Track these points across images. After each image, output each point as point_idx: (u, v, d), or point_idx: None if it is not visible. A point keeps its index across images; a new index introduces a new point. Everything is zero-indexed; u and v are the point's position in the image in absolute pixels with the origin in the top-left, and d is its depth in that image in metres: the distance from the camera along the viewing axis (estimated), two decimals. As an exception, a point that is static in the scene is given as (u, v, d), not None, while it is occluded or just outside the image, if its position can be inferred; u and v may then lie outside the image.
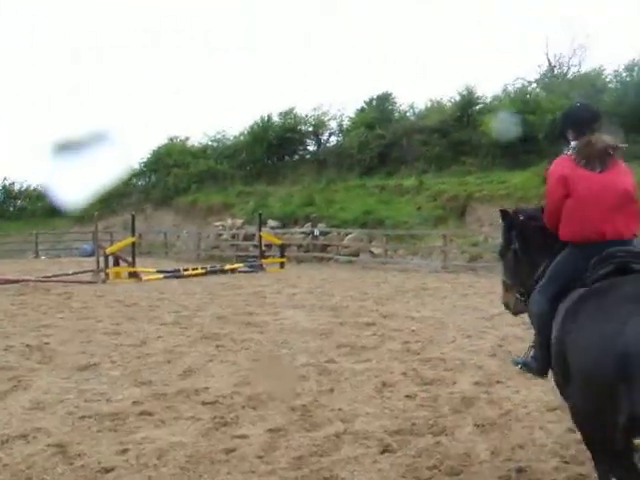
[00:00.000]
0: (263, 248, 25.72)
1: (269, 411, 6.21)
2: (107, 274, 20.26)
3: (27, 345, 9.68)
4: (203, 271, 22.38)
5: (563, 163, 4.48)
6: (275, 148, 41.50)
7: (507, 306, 5.34)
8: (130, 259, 21.25)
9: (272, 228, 30.40)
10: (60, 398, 6.79)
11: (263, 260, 24.71)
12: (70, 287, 18.25)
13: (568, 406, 3.93)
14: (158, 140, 48.60)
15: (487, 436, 5.46)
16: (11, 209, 52.43)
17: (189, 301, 14.44)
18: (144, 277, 20.50)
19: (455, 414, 6.04)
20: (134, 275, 20.61)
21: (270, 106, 61.35)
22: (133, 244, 21.85)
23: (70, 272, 20.84)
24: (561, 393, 4.18)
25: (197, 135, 47.63)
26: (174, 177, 42.13)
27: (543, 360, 4.38)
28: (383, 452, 5.14)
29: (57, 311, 13.50)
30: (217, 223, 34.88)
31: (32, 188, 53.46)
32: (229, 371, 7.87)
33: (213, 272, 22.43)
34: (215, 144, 45.73)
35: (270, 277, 20.95)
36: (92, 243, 29.10)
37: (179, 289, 17.41)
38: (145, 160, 47.36)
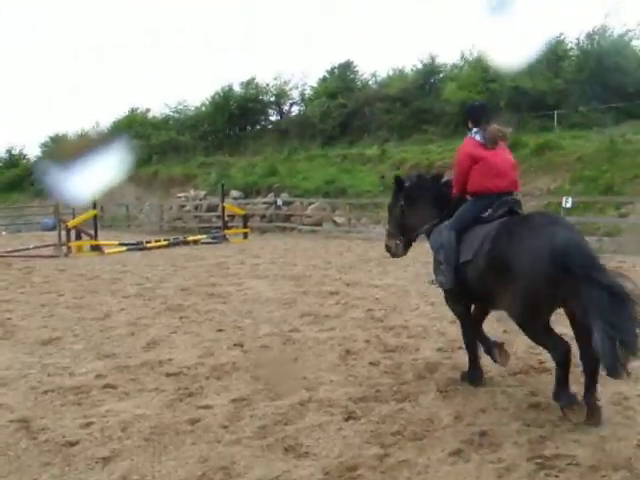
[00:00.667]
0: (226, 219, 25.62)
1: (233, 381, 6.23)
2: (69, 248, 20.08)
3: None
4: (166, 243, 22.25)
5: (469, 143, 6.30)
6: (237, 118, 41.37)
7: (388, 249, 7.00)
8: (92, 232, 21.09)
9: (235, 199, 30.32)
10: (22, 373, 6.74)
11: (226, 231, 24.62)
12: (31, 262, 18.06)
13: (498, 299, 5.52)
14: (119, 112, 48.07)
15: (450, 401, 5.53)
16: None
17: (152, 273, 14.37)
18: (106, 250, 20.34)
19: (418, 380, 6.10)
20: (96, 248, 20.45)
21: (231, 76, 61.08)
22: (95, 217, 21.65)
23: (31, 246, 20.62)
24: (456, 302, 6.27)
25: (158, 106, 47.28)
26: (135, 149, 41.75)
27: (451, 276, 6.02)
28: (347, 419, 5.18)
29: (18, 286, 13.36)
30: (180, 194, 34.67)
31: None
32: (193, 342, 7.87)
33: (176, 244, 22.31)
34: (176, 115, 45.37)
35: (233, 248, 20.92)
36: (54, 217, 28.80)
37: (142, 261, 17.31)
38: (106, 132, 46.86)
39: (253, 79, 42.60)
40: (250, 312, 9.59)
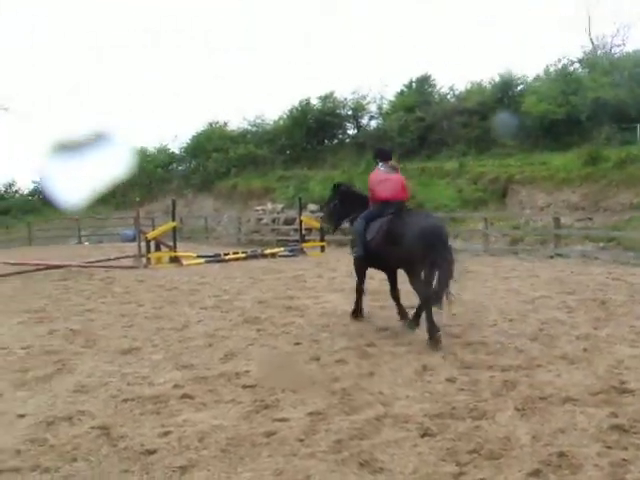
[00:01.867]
0: (303, 232, 25.74)
1: (309, 394, 6.22)
2: (149, 259, 20.44)
3: (71, 329, 9.85)
4: (244, 255, 22.48)
5: (377, 171, 9.92)
6: (314, 132, 41.54)
7: (328, 228, 13.11)
8: (171, 244, 21.43)
9: (312, 212, 30.41)
10: (103, 381, 6.89)
11: (303, 244, 24.75)
12: (112, 272, 18.46)
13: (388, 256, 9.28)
14: (198, 126, 48.81)
15: (528, 420, 5.42)
16: (54, 196, 52.94)
17: (230, 285, 14.52)
18: (185, 262, 20.65)
19: (495, 398, 6.00)
20: (175, 260, 20.78)
21: (309, 90, 61.44)
22: (174, 229, 22.00)
23: (112, 257, 21.09)
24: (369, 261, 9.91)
25: (236, 120, 47.82)
26: (214, 162, 42.35)
27: (362, 248, 9.68)
28: (423, 436, 5.13)
29: (100, 296, 13.67)
30: (257, 207, 35.01)
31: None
32: (270, 355, 7.92)
33: (254, 256, 22.52)
34: (254, 129, 45.79)
35: (310, 261, 21.00)
36: (134, 228, 29.34)
37: (220, 274, 17.50)
38: (185, 146, 47.66)
39: (331, 93, 42.80)
40: (327, 325, 9.61)
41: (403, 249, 8.65)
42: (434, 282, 8.40)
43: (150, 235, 21.31)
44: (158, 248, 21.37)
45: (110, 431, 5.38)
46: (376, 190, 9.64)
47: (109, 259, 20.87)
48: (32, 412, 5.92)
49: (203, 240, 34.14)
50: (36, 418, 5.74)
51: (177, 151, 49.21)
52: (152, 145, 50.52)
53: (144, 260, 20.37)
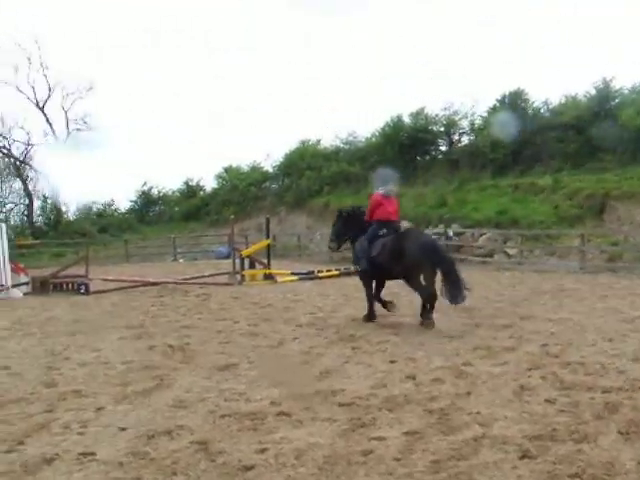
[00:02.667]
0: (396, 249, 25.65)
1: (406, 414, 6.18)
2: (243, 276, 20.71)
3: (169, 345, 10.05)
4: (337, 273, 22.55)
5: (377, 195, 11.91)
6: (406, 149, 41.40)
7: (330, 247, 13.56)
8: (265, 261, 21.66)
9: (405, 229, 30.30)
10: (201, 397, 6.99)
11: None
12: (207, 289, 18.79)
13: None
14: (291, 144, 49.27)
15: (632, 444, 5.25)
16: (150, 214, 54.33)
17: (324, 302, 14.59)
18: (279, 279, 20.84)
19: (597, 420, 5.83)
20: (269, 277, 20.99)
21: (401, 106, 61.35)
22: (268, 246, 22.24)
23: (207, 274, 21.46)
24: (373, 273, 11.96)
25: (329, 138, 48.06)
26: (307, 180, 42.66)
27: (365, 263, 11.74)
28: (522, 457, 5.02)
29: (196, 312, 13.93)
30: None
31: (170, 193, 55.37)
32: (365, 373, 7.90)
33: (347, 274, 22.54)
34: (347, 146, 45.96)
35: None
36: (228, 246, 29.75)
37: (313, 291, 17.60)
38: (278, 164, 48.19)
39: (422, 109, 42.64)
40: (422, 344, 9.53)
41: (407, 261, 10.92)
42: (443, 285, 10.87)
43: (245, 252, 21.62)
44: (252, 265, 21.64)
45: (208, 446, 5.44)
46: (375, 212, 11.90)
47: (204, 276, 21.26)
48: (133, 425, 6.04)
49: (296, 257, 34.39)
50: (137, 431, 5.86)
51: (270, 169, 49.85)
52: (245, 163, 51.34)
53: (239, 277, 20.66)
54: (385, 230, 11.63)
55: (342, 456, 5.15)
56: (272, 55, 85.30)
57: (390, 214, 11.81)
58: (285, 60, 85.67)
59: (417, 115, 42.56)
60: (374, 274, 11.96)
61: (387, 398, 6.69)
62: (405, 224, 34.71)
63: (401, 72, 77.20)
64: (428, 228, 30.81)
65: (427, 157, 43.11)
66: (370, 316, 11.99)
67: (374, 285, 12.20)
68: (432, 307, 11.10)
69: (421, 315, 11.20)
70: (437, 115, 42.55)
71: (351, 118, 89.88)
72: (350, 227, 12.52)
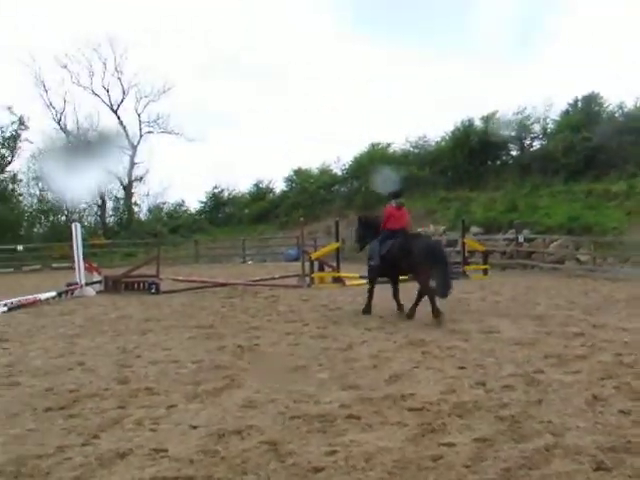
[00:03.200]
0: (466, 255, 25.47)
1: (476, 420, 6.11)
2: (312, 279, 20.78)
3: (239, 346, 10.14)
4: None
5: (390, 206, 13.94)
6: (477, 153, 41.00)
7: (356, 249, 16.31)
8: (334, 264, 21.69)
9: (475, 234, 30.07)
10: (271, 398, 7.02)
11: (466, 267, 24.47)
12: (276, 291, 18.91)
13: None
14: (360, 147, 49.26)
15: None
16: (220, 215, 54.87)
17: (393, 306, 14.54)
18: (348, 282, 20.84)
19: (674, 433, 5.70)
20: (338, 280, 21.01)
21: (471, 110, 60.81)
22: (337, 250, 22.25)
23: (276, 276, 21.59)
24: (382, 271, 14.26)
25: (399, 141, 47.92)
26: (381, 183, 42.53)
27: (377, 260, 13.89)
28: (597, 469, 4.90)
29: (265, 314, 14.04)
30: (419, 229, 34.88)
31: (240, 195, 55.85)
32: (435, 378, 7.84)
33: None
34: (416, 150, 45.76)
35: (473, 284, 20.73)
36: (297, 248, 29.89)
37: (382, 294, 17.54)
38: (347, 167, 48.21)
39: (494, 113, 42.22)
40: (492, 351, 9.40)
41: (413, 257, 12.83)
42: (436, 280, 12.63)
43: (314, 255, 21.69)
44: (322, 268, 21.69)
45: (278, 447, 5.46)
46: (388, 222, 13.84)
47: (273, 278, 21.41)
48: (204, 424, 6.11)
49: (364, 261, 34.27)
50: (208, 430, 5.92)
51: (339, 172, 49.90)
52: (315, 166, 51.51)
53: (308, 280, 20.74)
54: (395, 235, 13.55)
55: (411, 461, 5.12)
56: (343, 57, 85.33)
57: (400, 223, 13.81)
58: (358, 63, 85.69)
59: (488, 119, 42.16)
60: (383, 269, 14.04)
61: (457, 404, 6.63)
62: (431, 229, 34.79)
63: (472, 75, 76.51)
64: (499, 233, 30.53)
65: (498, 162, 42.66)
66: (367, 309, 14.13)
67: (392, 285, 14.33)
68: (433, 299, 12.42)
69: (432, 310, 12.39)
70: (509, 119, 42.11)
71: (421, 121, 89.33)
72: (368, 231, 14.60)
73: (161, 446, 5.52)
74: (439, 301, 12.39)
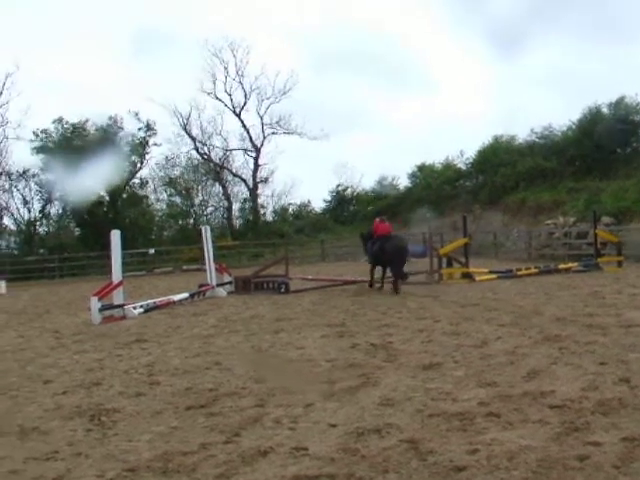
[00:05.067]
0: (598, 246, 24.72)
1: (622, 418, 5.88)
2: (441, 275, 20.62)
3: (371, 344, 10.15)
4: (536, 271, 22.01)
5: (379, 221, 20.73)
6: (605, 141, 39.64)
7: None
8: (463, 260, 21.45)
9: (606, 225, 29.14)
10: (407, 395, 6.98)
11: (599, 259, 23.76)
12: (405, 287, 18.80)
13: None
14: (484, 140, 48.57)
15: None
16: (345, 213, 55.18)
17: (524, 302, 14.26)
18: (477, 277, 20.58)
19: None
20: (467, 276, 20.76)
21: (597, 97, 58.98)
22: (466, 245, 21.99)
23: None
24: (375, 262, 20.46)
25: (523, 132, 47.01)
26: (501, 176, 41.88)
27: (371, 258, 20.54)
28: None
29: (395, 311, 14.01)
30: (548, 221, 34.13)
31: (363, 192, 56.02)
32: (575, 374, 7.60)
33: (547, 272, 21.98)
34: (542, 141, 44.75)
35: (607, 277, 20.13)
36: (422, 244, 29.73)
37: (512, 289, 17.26)
38: (472, 161, 47.65)
39: (622, 99, 40.82)
40: (634, 346, 9.04)
41: (387, 255, 19.05)
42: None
43: (442, 251, 21.51)
44: (450, 264, 21.48)
45: (418, 445, 5.41)
46: (377, 231, 20.11)
47: (404, 275, 21.34)
48: (342, 422, 6.12)
49: (492, 255, 33.82)
50: (346, 429, 5.92)
51: (463, 167, 49.37)
52: (438, 161, 51.13)
53: (436, 276, 20.59)
54: (379, 239, 19.63)
55: (556, 460, 4.98)
56: (459, 48, 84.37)
57: (384, 231, 20.02)
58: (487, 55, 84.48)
59: (616, 105, 40.80)
60: (375, 261, 20.14)
61: (600, 401, 6.40)
62: (560, 221, 34.22)
63: (596, 59, 74.21)
64: (631, 223, 29.49)
65: (628, 149, 41.17)
66: (371, 284, 20.39)
67: (383, 271, 20.13)
68: (396, 280, 18.86)
69: (393, 284, 18.92)
70: (638, 104, 40.60)
71: (546, 112, 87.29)
72: (366, 240, 21.00)
73: (301, 444, 5.56)
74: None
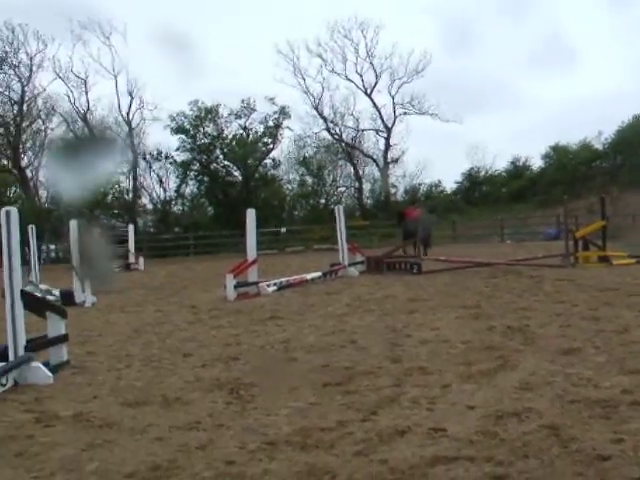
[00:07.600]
0: None
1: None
2: (576, 258, 20.10)
3: (508, 326, 9.98)
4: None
5: (413, 208, 32.88)
6: None
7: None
8: (600, 243, 20.83)
9: None
10: (547, 380, 6.84)
11: None
12: (540, 270, 18.47)
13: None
14: (624, 119, 46.92)
15: None
16: (476, 194, 54.56)
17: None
18: (615, 261, 19.94)
19: None
20: (604, 259, 20.15)
21: None
22: (604, 228, 21.32)
23: (539, 256, 21.11)
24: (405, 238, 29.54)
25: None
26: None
27: (405, 234, 30.06)
28: None
29: (531, 294, 13.73)
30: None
31: (496, 173, 55.21)
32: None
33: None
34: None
35: None
36: (556, 227, 29.06)
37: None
38: (609, 141, 46.19)
39: None
40: None
41: (412, 232, 23.74)
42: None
43: (579, 234, 20.94)
44: (586, 247, 20.90)
45: (559, 432, 5.30)
46: (408, 215, 28.70)
47: (536, 257, 20.93)
48: (480, 405, 6.07)
49: (633, 239, 32.65)
50: (484, 411, 5.87)
51: (600, 147, 47.88)
52: (574, 142, 49.76)
53: (572, 259, 20.09)
54: (410, 221, 25.85)
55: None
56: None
57: (411, 215, 27.63)
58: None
59: None
60: (407, 236, 26.55)
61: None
62: None
63: None
64: None
65: None
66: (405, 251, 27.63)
67: (413, 244, 24.44)
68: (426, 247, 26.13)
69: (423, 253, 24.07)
70: None
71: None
72: (401, 220, 29.21)
73: (439, 425, 5.55)
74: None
